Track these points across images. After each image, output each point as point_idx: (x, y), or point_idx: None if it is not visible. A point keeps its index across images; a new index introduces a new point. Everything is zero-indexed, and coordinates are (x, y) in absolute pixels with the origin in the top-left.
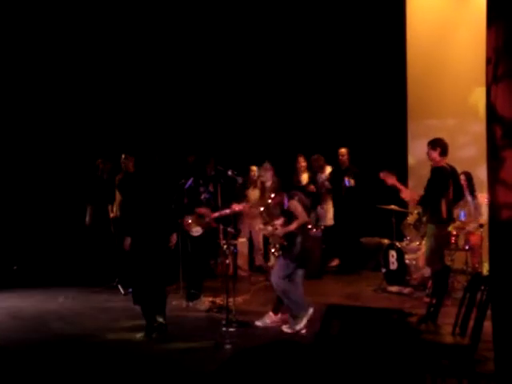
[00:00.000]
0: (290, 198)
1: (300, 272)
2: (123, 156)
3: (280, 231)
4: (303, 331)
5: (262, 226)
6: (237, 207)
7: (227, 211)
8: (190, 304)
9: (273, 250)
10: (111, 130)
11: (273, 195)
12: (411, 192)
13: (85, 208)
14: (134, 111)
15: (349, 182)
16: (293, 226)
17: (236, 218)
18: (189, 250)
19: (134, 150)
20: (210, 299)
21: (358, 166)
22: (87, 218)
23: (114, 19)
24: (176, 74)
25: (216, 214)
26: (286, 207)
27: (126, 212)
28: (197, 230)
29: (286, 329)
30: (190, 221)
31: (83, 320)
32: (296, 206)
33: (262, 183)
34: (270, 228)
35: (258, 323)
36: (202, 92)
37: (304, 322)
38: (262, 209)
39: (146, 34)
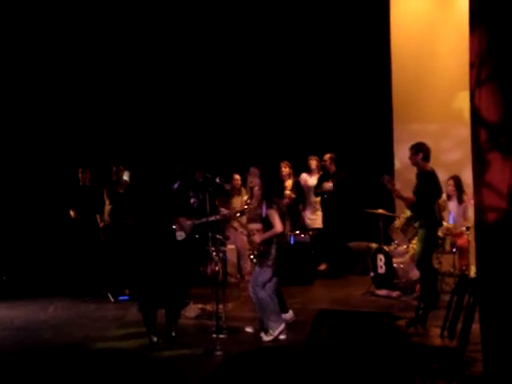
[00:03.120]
0: (269, 206)
1: (275, 280)
2: (114, 168)
3: (257, 237)
4: (281, 337)
5: (241, 230)
6: (224, 211)
7: (213, 217)
8: (181, 311)
9: (251, 257)
10: (94, 138)
11: (249, 201)
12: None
13: (68, 215)
14: (118, 119)
15: (327, 186)
16: (266, 235)
17: (224, 224)
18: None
19: (130, 161)
20: (200, 306)
21: (344, 171)
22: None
23: (102, 30)
24: (160, 83)
25: (203, 220)
26: (264, 215)
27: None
28: (180, 235)
29: (263, 335)
30: (174, 226)
31: (73, 329)
32: (273, 215)
33: (251, 188)
34: (247, 231)
35: (249, 329)
36: (186, 99)
37: (279, 329)
38: (238, 214)
39: (131, 42)
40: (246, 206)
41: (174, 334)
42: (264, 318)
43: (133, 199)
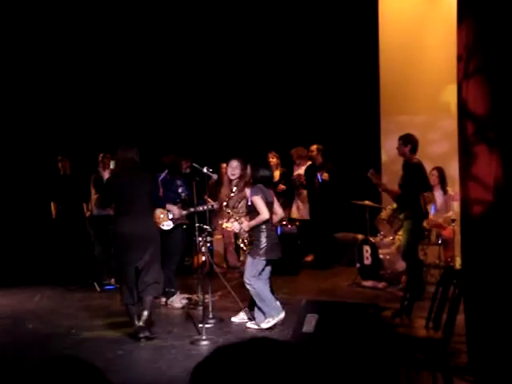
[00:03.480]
0: (254, 193)
1: (268, 269)
2: (102, 154)
3: (245, 225)
4: (268, 331)
5: (224, 222)
6: (211, 202)
7: (201, 208)
8: (167, 301)
9: (241, 245)
10: (76, 126)
11: (235, 189)
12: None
13: (49, 205)
14: (105, 107)
15: (321, 177)
16: (253, 223)
17: (211, 214)
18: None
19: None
20: (186, 296)
21: (332, 163)
22: (53, 213)
23: (93, 26)
24: (147, 72)
25: (191, 210)
26: (249, 203)
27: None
28: (168, 224)
29: (250, 324)
30: (161, 215)
31: (59, 318)
32: (258, 202)
33: (229, 179)
34: (234, 224)
35: (234, 319)
36: (173, 89)
37: (273, 323)
38: (224, 203)
39: (123, 39)
40: (231, 195)
41: (149, 322)
42: (263, 308)
43: (114, 188)
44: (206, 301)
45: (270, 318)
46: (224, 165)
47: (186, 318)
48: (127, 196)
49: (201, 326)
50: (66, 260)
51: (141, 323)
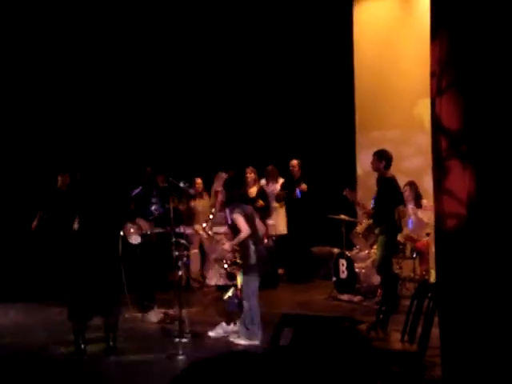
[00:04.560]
0: (232, 211)
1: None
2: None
3: (227, 246)
4: (257, 342)
5: (214, 256)
6: (186, 230)
7: (175, 230)
8: (144, 315)
9: (225, 266)
10: (72, 142)
11: (213, 210)
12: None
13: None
14: (93, 124)
15: (300, 192)
16: (235, 241)
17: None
18: (138, 260)
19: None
20: (163, 311)
21: (308, 177)
22: (34, 224)
23: (82, 31)
24: (125, 86)
25: (159, 230)
26: (229, 222)
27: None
28: (135, 239)
29: (239, 340)
30: (132, 230)
31: (35, 334)
32: (238, 219)
33: (216, 192)
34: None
35: (211, 333)
36: (147, 103)
37: (247, 343)
38: (204, 225)
39: (108, 51)
40: (211, 216)
41: (111, 343)
42: (248, 326)
43: (76, 201)
44: (183, 315)
45: (248, 340)
46: (198, 179)
47: (162, 333)
48: (88, 209)
49: (177, 340)
50: (43, 275)
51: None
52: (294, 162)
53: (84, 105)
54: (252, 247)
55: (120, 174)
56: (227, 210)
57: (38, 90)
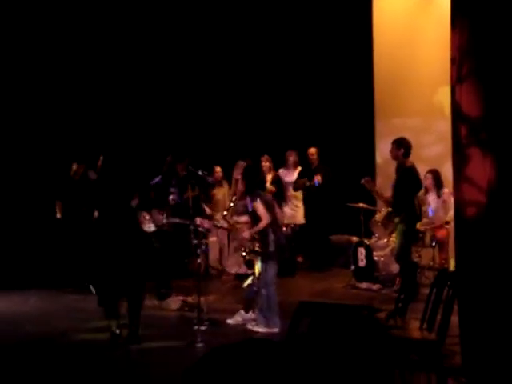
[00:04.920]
0: (252, 200)
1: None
2: (101, 157)
3: (246, 234)
4: (276, 330)
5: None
6: (203, 223)
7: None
8: (162, 303)
9: (243, 254)
10: (88, 131)
11: (234, 198)
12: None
13: (54, 205)
14: (111, 113)
15: (318, 181)
16: (254, 230)
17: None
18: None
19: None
20: (182, 298)
21: (327, 165)
22: (58, 214)
23: (96, 21)
24: (143, 76)
25: (175, 221)
26: (250, 209)
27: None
28: (149, 226)
29: (257, 328)
30: (147, 217)
31: (55, 321)
32: (259, 207)
33: (236, 181)
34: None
35: (230, 321)
36: (167, 92)
37: (266, 331)
38: (225, 213)
39: (122, 37)
40: (231, 204)
41: (134, 328)
42: (266, 314)
43: (100, 188)
44: (201, 303)
45: (266, 328)
46: (217, 168)
47: (181, 321)
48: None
49: (196, 328)
50: (63, 261)
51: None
52: (313, 150)
53: (103, 94)
54: (271, 235)
55: (140, 163)
56: (248, 198)
57: (56, 81)
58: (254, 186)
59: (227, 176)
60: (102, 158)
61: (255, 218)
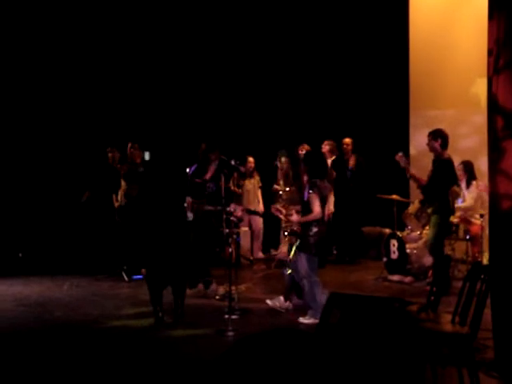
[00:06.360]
0: (311, 188)
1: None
2: (130, 145)
3: (295, 218)
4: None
5: (278, 207)
6: (236, 210)
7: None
8: (207, 291)
9: (285, 233)
10: (120, 119)
11: (286, 189)
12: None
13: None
14: (142, 102)
15: (351, 171)
16: (304, 218)
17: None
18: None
19: (148, 143)
20: (215, 287)
21: (361, 156)
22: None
23: (119, 14)
24: (182, 67)
25: (210, 208)
26: (305, 198)
27: (140, 200)
28: (188, 216)
29: (303, 320)
30: (185, 204)
31: (87, 307)
32: (314, 200)
33: (281, 169)
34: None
35: (268, 301)
36: (205, 83)
37: (313, 322)
38: (280, 193)
39: (147, 27)
40: (287, 189)
41: (180, 311)
42: (311, 304)
43: (149, 179)
44: (233, 292)
45: (312, 318)
46: (250, 158)
47: (213, 309)
48: (159, 186)
49: (227, 316)
50: (96, 249)
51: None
52: (347, 140)
53: (141, 85)
54: (315, 227)
55: (180, 152)
56: (307, 186)
57: (89, 73)
58: (315, 173)
59: (258, 167)
60: (130, 145)
61: (307, 207)
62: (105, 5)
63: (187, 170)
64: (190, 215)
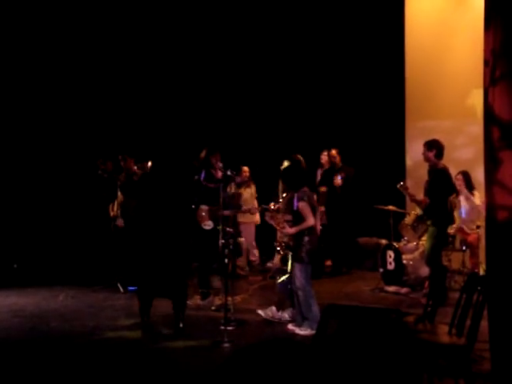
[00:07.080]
0: (300, 199)
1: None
2: (120, 157)
3: (288, 230)
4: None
5: (272, 215)
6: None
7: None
8: (204, 302)
9: (278, 249)
10: (113, 129)
11: (284, 195)
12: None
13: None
14: (134, 110)
15: (341, 178)
16: (299, 227)
17: (235, 218)
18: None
19: (149, 151)
20: (212, 298)
21: (356, 167)
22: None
23: (117, 17)
24: (175, 73)
25: (227, 213)
26: (295, 208)
27: (139, 211)
28: (208, 224)
29: (298, 331)
30: (203, 213)
31: (83, 318)
32: (305, 209)
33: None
34: (279, 218)
35: (261, 312)
36: (199, 91)
37: (309, 333)
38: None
39: (146, 32)
40: (280, 200)
41: (181, 324)
42: (306, 314)
43: (149, 190)
44: (229, 303)
45: (309, 329)
46: (245, 168)
47: (208, 320)
48: (159, 196)
49: (222, 328)
50: (91, 260)
51: None
52: (334, 151)
53: (142, 94)
54: (307, 237)
55: (185, 160)
56: (295, 196)
57: (94, 80)
58: (300, 183)
59: (254, 176)
60: (120, 157)
61: (298, 218)
62: (100, 13)
63: (196, 177)
64: (211, 223)
